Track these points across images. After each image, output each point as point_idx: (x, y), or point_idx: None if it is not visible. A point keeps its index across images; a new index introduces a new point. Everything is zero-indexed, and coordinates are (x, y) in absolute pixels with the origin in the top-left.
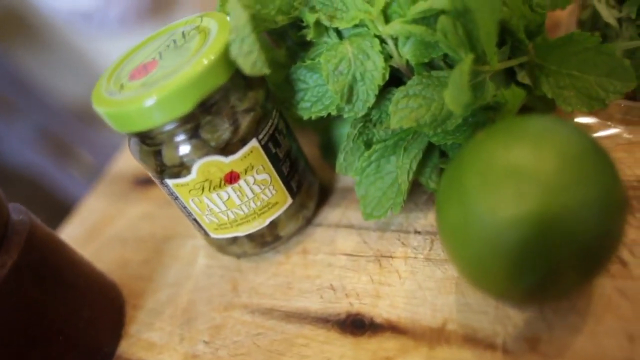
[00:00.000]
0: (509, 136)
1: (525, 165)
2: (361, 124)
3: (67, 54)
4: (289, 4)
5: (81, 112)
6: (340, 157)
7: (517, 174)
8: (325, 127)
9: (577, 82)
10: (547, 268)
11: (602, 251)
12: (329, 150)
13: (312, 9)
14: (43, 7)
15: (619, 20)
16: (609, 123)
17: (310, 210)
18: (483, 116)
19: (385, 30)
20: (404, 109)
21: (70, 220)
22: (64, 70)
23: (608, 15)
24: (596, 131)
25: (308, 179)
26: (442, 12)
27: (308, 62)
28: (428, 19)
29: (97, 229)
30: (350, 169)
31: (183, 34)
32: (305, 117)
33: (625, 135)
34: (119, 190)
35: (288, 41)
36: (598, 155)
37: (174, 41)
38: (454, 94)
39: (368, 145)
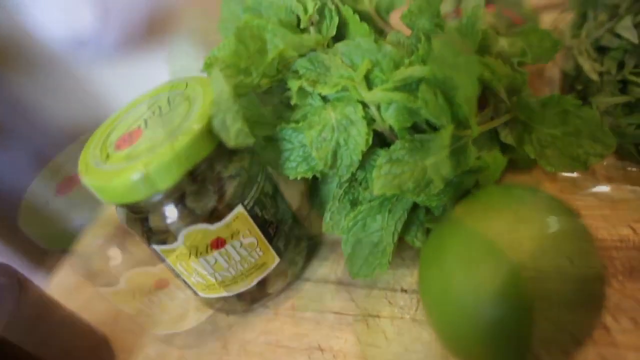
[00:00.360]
0: (487, 213)
1: (502, 247)
2: (347, 184)
3: (62, 79)
4: (272, 67)
5: (77, 137)
6: (327, 217)
7: (495, 255)
8: (313, 177)
9: (559, 142)
10: (527, 347)
11: (582, 327)
12: (317, 200)
13: (296, 73)
14: (38, 33)
15: (601, 74)
16: (593, 180)
17: (298, 266)
18: (467, 178)
19: (368, 97)
20: (386, 175)
21: (62, 265)
22: (59, 95)
23: (590, 69)
24: (580, 188)
25: (296, 235)
26: (423, 79)
27: (292, 124)
28: (410, 85)
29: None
30: (336, 227)
31: (168, 100)
32: (292, 177)
33: (609, 193)
34: (112, 234)
35: (274, 99)
36: (575, 231)
37: (159, 108)
38: (436, 166)
39: (354, 203)
